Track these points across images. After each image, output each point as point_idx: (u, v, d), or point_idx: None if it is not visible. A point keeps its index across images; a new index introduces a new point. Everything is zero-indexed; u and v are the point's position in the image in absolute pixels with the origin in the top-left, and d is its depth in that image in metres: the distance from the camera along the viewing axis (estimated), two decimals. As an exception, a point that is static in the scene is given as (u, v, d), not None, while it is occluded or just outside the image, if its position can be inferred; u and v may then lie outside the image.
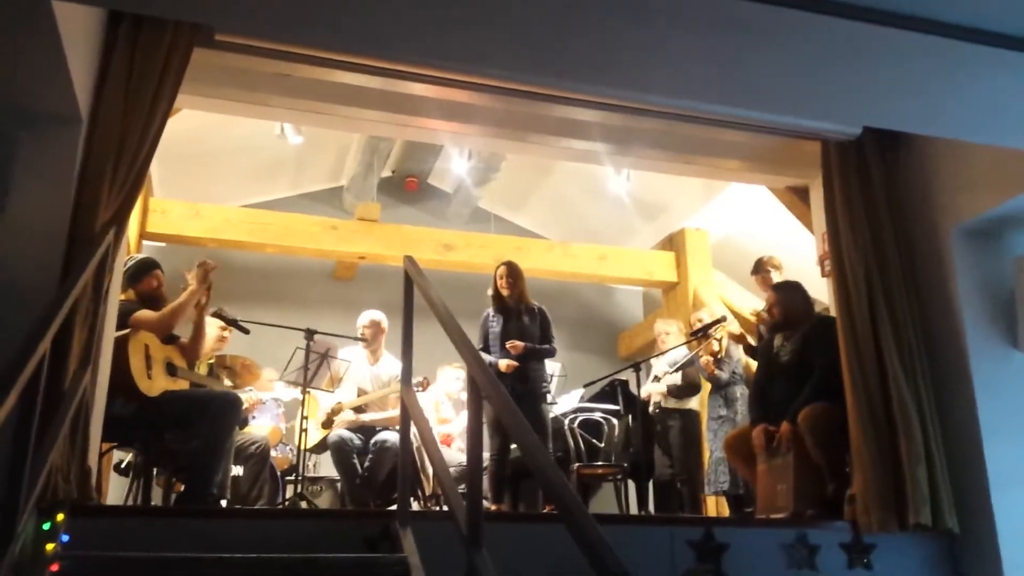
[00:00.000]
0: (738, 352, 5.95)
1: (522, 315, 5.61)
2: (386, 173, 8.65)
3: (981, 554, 4.02)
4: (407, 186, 8.88)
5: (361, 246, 7.62)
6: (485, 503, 5.31)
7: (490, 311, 5.73)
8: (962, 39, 3.63)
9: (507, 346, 5.47)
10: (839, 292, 4.49)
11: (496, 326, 5.61)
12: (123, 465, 5.13)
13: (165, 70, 3.70)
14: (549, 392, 5.73)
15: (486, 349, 5.59)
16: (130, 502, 4.53)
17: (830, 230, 4.63)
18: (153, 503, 4.52)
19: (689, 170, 5.68)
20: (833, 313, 4.68)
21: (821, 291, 5.25)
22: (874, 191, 4.61)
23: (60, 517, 2.86)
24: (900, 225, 4.60)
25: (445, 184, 9.03)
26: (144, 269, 4.38)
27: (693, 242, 8.14)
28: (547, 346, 5.62)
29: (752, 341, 5.67)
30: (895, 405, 4.15)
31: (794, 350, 4.64)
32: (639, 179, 7.54)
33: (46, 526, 2.79)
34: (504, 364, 5.42)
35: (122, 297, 4.23)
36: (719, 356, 5.85)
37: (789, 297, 4.82)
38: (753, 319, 5.60)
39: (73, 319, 3.13)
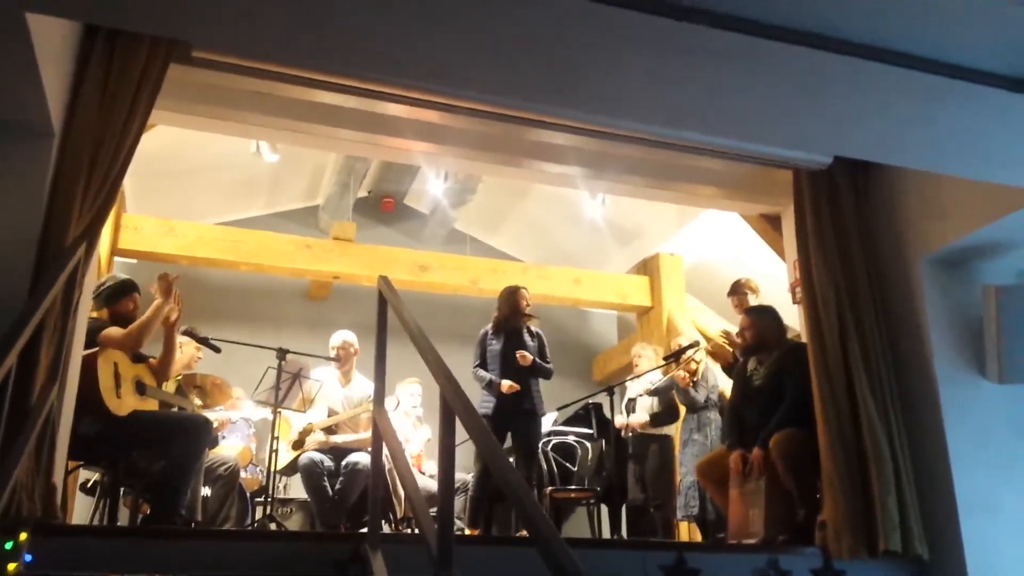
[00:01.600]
0: (714, 378, 5.98)
1: (522, 334, 5.64)
2: (362, 193, 8.65)
3: (950, 580, 4.05)
4: (383, 206, 8.89)
5: (336, 266, 7.59)
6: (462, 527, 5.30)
7: (488, 329, 5.74)
8: (931, 72, 3.69)
9: (518, 355, 5.49)
10: (810, 319, 4.54)
11: (496, 344, 5.62)
12: (89, 485, 5.04)
13: (140, 85, 3.67)
14: (544, 413, 5.77)
15: (483, 366, 5.62)
16: (96, 522, 4.44)
17: (801, 257, 4.69)
18: (120, 524, 4.44)
19: (664, 196, 5.72)
20: (804, 340, 4.72)
21: (793, 318, 5.29)
22: (845, 219, 4.68)
23: (23, 536, 2.80)
24: (870, 253, 4.67)
25: (421, 205, 9.04)
26: (123, 290, 4.29)
27: (667, 267, 8.20)
28: (547, 365, 5.69)
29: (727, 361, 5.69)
30: (865, 432, 4.19)
31: (767, 374, 4.67)
32: (614, 204, 7.60)
33: (9, 545, 2.73)
34: (506, 385, 5.43)
35: (93, 314, 4.17)
36: (696, 380, 5.88)
37: (761, 321, 4.85)
38: (723, 340, 5.62)
39: (41, 334, 3.07)
